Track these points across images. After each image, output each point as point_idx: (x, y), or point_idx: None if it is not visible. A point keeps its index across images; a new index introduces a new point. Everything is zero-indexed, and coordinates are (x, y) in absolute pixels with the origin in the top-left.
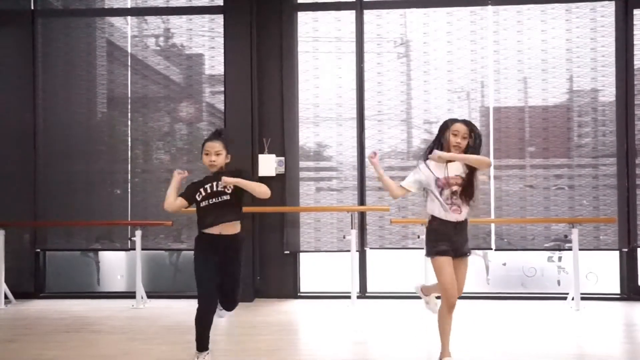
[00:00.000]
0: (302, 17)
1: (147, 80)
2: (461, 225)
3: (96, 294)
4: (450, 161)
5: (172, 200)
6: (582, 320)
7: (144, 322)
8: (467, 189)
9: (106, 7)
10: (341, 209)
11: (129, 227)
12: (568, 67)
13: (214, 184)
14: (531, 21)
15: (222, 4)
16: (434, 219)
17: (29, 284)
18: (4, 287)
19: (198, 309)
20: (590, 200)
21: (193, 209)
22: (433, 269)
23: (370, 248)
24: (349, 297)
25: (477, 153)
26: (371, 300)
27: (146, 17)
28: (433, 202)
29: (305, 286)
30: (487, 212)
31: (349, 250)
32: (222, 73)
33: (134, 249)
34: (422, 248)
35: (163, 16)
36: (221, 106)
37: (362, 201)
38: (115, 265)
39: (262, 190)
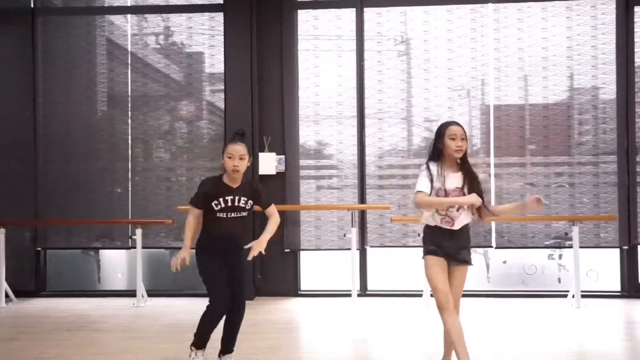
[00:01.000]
0: (303, 15)
1: (147, 78)
2: (455, 233)
3: (97, 292)
4: (453, 172)
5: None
6: (583, 317)
7: (144, 320)
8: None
9: (106, 5)
10: (341, 207)
11: (130, 225)
12: (568, 65)
13: (236, 198)
14: (532, 19)
15: (222, 2)
16: (427, 226)
17: (30, 282)
18: (5, 285)
19: (211, 308)
20: (590, 198)
21: None
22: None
23: (371, 246)
24: (349, 295)
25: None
26: (372, 299)
27: (146, 16)
28: (433, 214)
29: (305, 284)
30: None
31: (349, 249)
32: (222, 71)
33: (135, 248)
34: (422, 246)
35: (163, 14)
36: (221, 104)
37: (362, 199)
38: (116, 264)
39: (277, 224)
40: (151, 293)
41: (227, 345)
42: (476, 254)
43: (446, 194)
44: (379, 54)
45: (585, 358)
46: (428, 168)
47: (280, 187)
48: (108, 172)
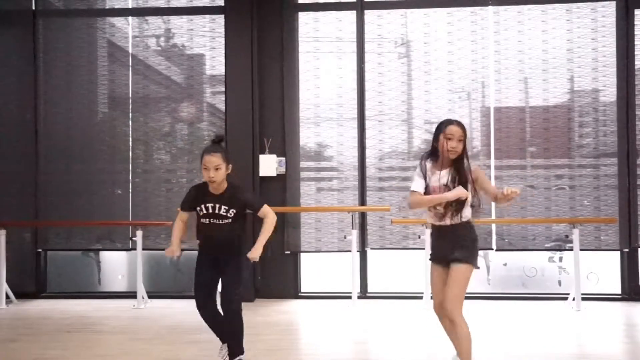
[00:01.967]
0: (303, 17)
1: (148, 80)
2: (445, 230)
3: (97, 294)
4: (443, 169)
5: (180, 226)
6: (583, 320)
7: (145, 322)
8: (452, 202)
9: (107, 7)
10: (342, 209)
11: (130, 227)
12: (569, 67)
13: (217, 206)
14: (532, 21)
15: (222, 4)
16: (431, 224)
17: (30, 284)
18: (5, 287)
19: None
20: (591, 201)
21: None
22: None
23: (371, 248)
24: (349, 297)
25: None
26: (372, 301)
27: (147, 18)
28: (426, 211)
29: (306, 286)
30: (487, 212)
31: (349, 251)
32: (223, 73)
33: (135, 249)
34: (423, 248)
35: (164, 16)
36: (222, 106)
37: (362, 201)
38: (116, 265)
39: (273, 225)
40: (151, 294)
41: (230, 350)
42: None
43: (434, 190)
44: (379, 56)
45: None
46: (421, 164)
47: (281, 189)
48: (108, 173)
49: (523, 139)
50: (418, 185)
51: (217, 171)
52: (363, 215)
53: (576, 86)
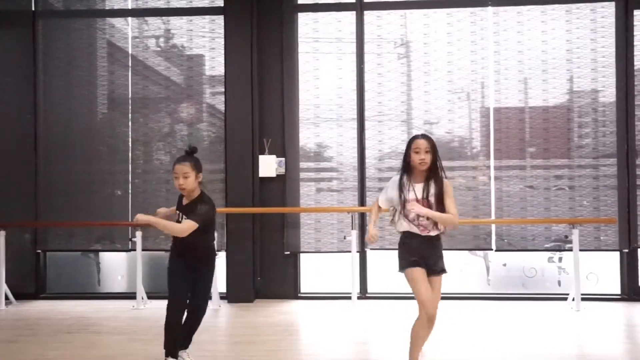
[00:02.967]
0: (303, 18)
1: (148, 81)
2: (431, 240)
3: (97, 294)
4: (417, 183)
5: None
6: (583, 320)
7: (144, 322)
8: (437, 206)
9: (107, 8)
10: (341, 209)
11: (130, 227)
12: (568, 68)
13: (182, 215)
14: (531, 22)
15: (222, 4)
16: (403, 233)
17: (30, 284)
18: (5, 287)
19: (168, 312)
20: (590, 201)
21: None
22: (407, 283)
23: (371, 249)
24: (349, 298)
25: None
26: (372, 301)
27: (147, 18)
28: (400, 221)
29: (305, 287)
30: (487, 213)
31: (349, 251)
32: (223, 74)
33: (135, 250)
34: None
35: (163, 17)
36: (221, 107)
37: (362, 202)
38: (116, 266)
39: (171, 231)
40: (151, 295)
41: (184, 341)
42: (476, 257)
43: (406, 204)
44: (379, 57)
45: None
46: (401, 180)
47: (281, 190)
48: (108, 174)
49: (522, 139)
50: (382, 196)
51: (186, 179)
52: (362, 216)
53: (575, 87)
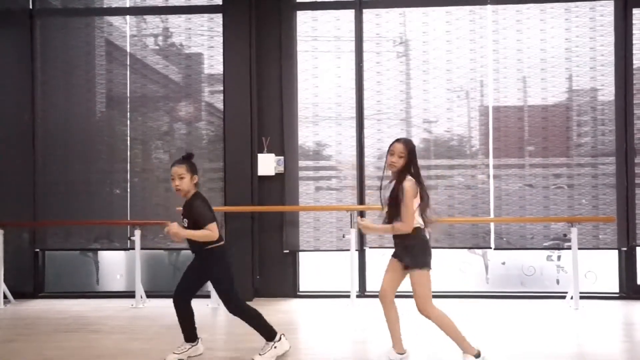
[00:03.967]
0: (301, 17)
1: (146, 79)
2: (397, 238)
3: (95, 293)
4: (391, 183)
5: None
6: (581, 319)
7: (143, 321)
8: (391, 209)
9: (105, 6)
10: (340, 208)
11: (128, 226)
12: (567, 67)
13: (181, 215)
14: (530, 20)
15: (220, 3)
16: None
17: (29, 283)
18: (3, 287)
19: (240, 308)
20: (589, 200)
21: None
22: (426, 282)
23: (370, 247)
24: (348, 296)
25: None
26: (371, 299)
27: (145, 17)
28: (418, 218)
29: (304, 285)
30: (486, 212)
31: (348, 250)
32: (221, 72)
33: (133, 249)
34: None
35: (162, 15)
36: (220, 105)
37: (361, 200)
38: (115, 265)
39: (206, 238)
40: (150, 294)
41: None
42: (475, 255)
43: (385, 201)
44: (377, 55)
45: (583, 359)
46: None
47: (279, 188)
48: (107, 173)
49: (521, 138)
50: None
51: (181, 180)
52: (362, 214)
53: (574, 85)
